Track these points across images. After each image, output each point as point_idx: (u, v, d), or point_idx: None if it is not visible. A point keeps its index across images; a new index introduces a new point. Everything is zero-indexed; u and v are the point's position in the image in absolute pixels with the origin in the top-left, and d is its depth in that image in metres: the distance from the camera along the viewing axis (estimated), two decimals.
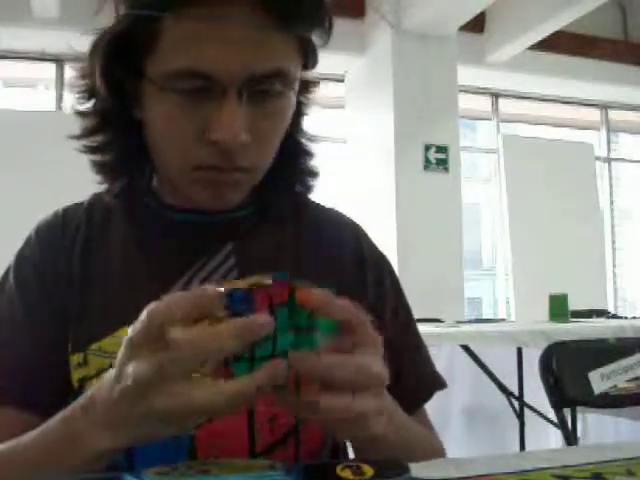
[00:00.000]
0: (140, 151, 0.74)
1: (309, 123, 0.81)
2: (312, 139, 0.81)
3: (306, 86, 0.76)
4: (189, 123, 0.66)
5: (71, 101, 0.75)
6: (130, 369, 0.49)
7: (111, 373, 0.52)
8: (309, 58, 0.71)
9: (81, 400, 0.56)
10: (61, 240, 0.77)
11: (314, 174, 0.82)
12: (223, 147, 0.65)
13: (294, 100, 0.70)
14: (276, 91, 0.66)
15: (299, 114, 0.77)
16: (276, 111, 0.68)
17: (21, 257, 0.77)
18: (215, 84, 0.63)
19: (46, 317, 0.73)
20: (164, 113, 0.67)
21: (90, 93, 0.73)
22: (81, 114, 0.75)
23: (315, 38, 0.70)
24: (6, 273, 0.77)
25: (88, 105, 0.74)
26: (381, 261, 0.85)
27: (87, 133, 0.75)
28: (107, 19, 0.69)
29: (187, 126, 0.66)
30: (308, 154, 0.81)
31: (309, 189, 0.82)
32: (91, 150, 0.76)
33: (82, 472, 0.55)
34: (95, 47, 0.70)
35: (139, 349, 0.49)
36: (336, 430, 0.56)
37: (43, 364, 0.71)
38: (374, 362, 0.52)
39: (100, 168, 0.76)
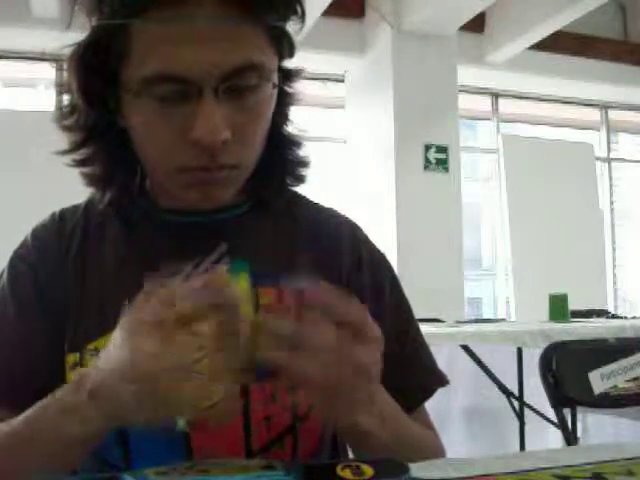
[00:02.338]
0: (129, 159, 0.74)
1: (305, 117, 0.80)
2: (300, 129, 0.80)
3: (288, 76, 0.75)
4: (169, 126, 0.65)
5: (56, 116, 0.75)
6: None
7: (104, 355, 0.55)
8: (284, 47, 0.70)
9: (75, 379, 0.58)
10: (57, 242, 0.77)
11: (304, 164, 0.81)
12: (205, 146, 0.64)
13: (272, 92, 0.69)
14: (252, 85, 0.66)
15: (285, 104, 0.77)
16: (254, 104, 0.67)
17: (16, 259, 0.77)
18: (190, 85, 0.63)
19: (40, 318, 0.73)
20: (143, 119, 0.67)
21: (73, 107, 0.73)
22: (66, 128, 0.74)
23: (290, 26, 0.69)
24: (1, 274, 0.77)
25: (72, 119, 0.74)
26: (379, 259, 0.84)
27: (74, 147, 0.75)
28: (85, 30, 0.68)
29: (167, 129, 0.65)
30: (296, 144, 0.80)
31: (301, 179, 0.82)
32: (79, 163, 0.76)
33: (78, 451, 0.57)
34: (70, 61, 0.70)
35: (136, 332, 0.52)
36: (322, 407, 0.55)
37: (35, 365, 0.71)
38: (369, 351, 0.52)
39: (90, 180, 0.77)
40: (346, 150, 5.55)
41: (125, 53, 0.65)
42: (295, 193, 0.84)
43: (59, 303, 0.73)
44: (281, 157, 0.79)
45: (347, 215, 0.87)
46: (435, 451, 0.74)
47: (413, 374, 0.79)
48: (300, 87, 0.77)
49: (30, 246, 0.77)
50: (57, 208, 0.82)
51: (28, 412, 0.60)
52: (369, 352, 0.53)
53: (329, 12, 4.66)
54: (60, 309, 0.73)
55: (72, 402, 0.56)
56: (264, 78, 0.67)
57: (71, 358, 0.71)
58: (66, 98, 0.74)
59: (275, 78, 0.69)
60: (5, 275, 0.76)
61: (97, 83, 0.69)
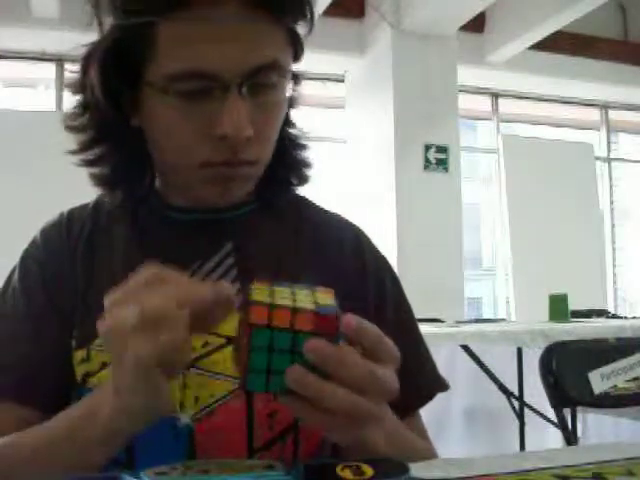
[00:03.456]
0: (138, 160, 0.75)
1: (306, 117, 0.81)
2: (302, 131, 0.82)
3: (294, 79, 0.76)
4: (193, 122, 0.66)
5: (64, 118, 0.75)
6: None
7: None
8: (297, 49, 0.72)
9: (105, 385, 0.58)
10: (66, 241, 0.78)
11: (308, 165, 0.83)
12: (230, 142, 0.66)
13: (288, 91, 0.71)
14: (273, 83, 0.68)
15: (290, 107, 0.78)
16: (274, 103, 0.69)
17: (26, 257, 0.78)
18: (216, 82, 0.64)
19: (49, 315, 0.74)
20: (167, 116, 0.67)
21: (84, 106, 0.74)
22: (75, 129, 0.75)
23: (300, 28, 0.71)
24: (12, 272, 0.78)
25: (83, 119, 0.74)
26: (382, 262, 0.85)
27: (84, 147, 0.75)
28: (103, 27, 0.69)
29: (191, 126, 0.67)
30: (300, 146, 0.82)
31: (305, 180, 0.83)
32: (88, 163, 0.76)
33: (98, 452, 0.57)
34: (89, 59, 0.70)
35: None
36: (332, 428, 0.54)
37: (43, 361, 0.72)
38: (391, 375, 0.52)
39: (99, 180, 0.77)
40: (346, 150, 5.56)
41: (150, 51, 0.65)
42: (299, 195, 0.85)
43: (67, 301, 0.74)
44: (285, 158, 0.80)
45: (350, 219, 0.88)
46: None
47: (413, 378, 0.79)
48: (302, 89, 0.79)
49: (39, 245, 0.78)
50: (57, 208, 0.82)
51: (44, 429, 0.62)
52: (391, 374, 0.53)
53: (329, 12, 4.66)
54: (68, 307, 0.74)
55: (97, 406, 0.56)
56: (283, 77, 0.69)
57: (79, 354, 0.72)
58: (75, 98, 0.74)
59: (290, 78, 0.71)
60: (16, 273, 0.77)
61: (116, 80, 0.69)
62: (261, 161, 0.72)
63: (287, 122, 0.79)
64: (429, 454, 0.74)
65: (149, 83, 0.67)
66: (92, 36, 0.70)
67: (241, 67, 0.64)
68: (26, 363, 0.72)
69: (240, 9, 0.64)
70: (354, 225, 0.87)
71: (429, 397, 0.81)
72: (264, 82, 0.67)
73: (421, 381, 0.81)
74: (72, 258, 0.76)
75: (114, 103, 0.71)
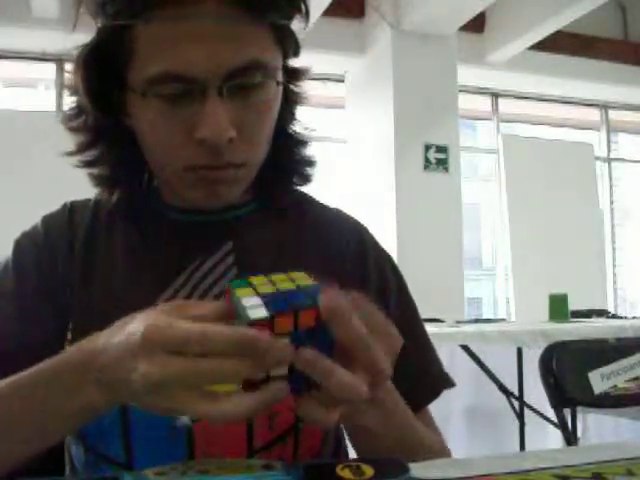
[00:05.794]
0: (136, 159, 0.75)
1: (306, 116, 0.80)
2: (306, 128, 0.80)
3: (294, 74, 0.75)
4: (175, 126, 0.66)
5: (62, 119, 0.75)
6: (140, 327, 0.48)
7: (115, 331, 0.52)
8: (288, 46, 0.70)
9: (78, 354, 0.54)
10: (66, 230, 0.78)
11: (311, 163, 0.81)
12: (211, 145, 0.65)
13: (277, 90, 0.70)
14: (256, 83, 0.66)
15: (291, 103, 0.77)
16: (259, 103, 0.67)
17: (22, 237, 0.78)
18: (194, 84, 0.63)
19: (39, 297, 0.73)
20: (149, 119, 0.67)
21: (80, 109, 0.74)
22: (74, 130, 0.75)
23: (295, 23, 0.69)
24: (7, 260, 0.77)
25: (79, 121, 0.74)
26: (384, 258, 0.84)
27: (81, 148, 0.75)
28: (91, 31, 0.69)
29: (173, 129, 0.66)
30: (303, 143, 0.80)
31: (307, 179, 0.82)
32: (87, 164, 0.76)
33: (74, 424, 0.54)
34: (76, 63, 0.70)
35: (161, 314, 0.49)
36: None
37: (30, 340, 0.71)
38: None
39: (98, 181, 0.77)
40: (346, 150, 5.56)
41: (130, 54, 0.65)
42: (302, 193, 0.85)
43: (61, 288, 0.74)
44: (287, 156, 0.79)
45: (351, 215, 0.87)
46: (441, 454, 0.73)
47: (419, 375, 0.78)
48: (306, 86, 0.77)
49: (40, 230, 0.78)
50: (57, 208, 0.82)
51: (16, 381, 0.57)
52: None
53: (329, 12, 4.66)
54: (62, 294, 0.73)
55: (77, 382, 0.53)
56: (268, 76, 0.67)
57: None
58: (72, 100, 0.74)
59: (279, 76, 0.69)
60: (10, 261, 0.76)
61: (103, 84, 0.69)
62: (250, 163, 0.71)
63: (289, 119, 0.78)
64: (437, 447, 0.73)
65: (130, 86, 0.66)
66: (90, 36, 0.70)
67: (219, 68, 0.63)
68: (10, 337, 0.71)
69: (219, 8, 0.62)
70: (356, 221, 0.86)
71: (436, 394, 0.80)
72: (247, 83, 0.65)
73: (427, 378, 0.80)
74: (71, 247, 0.76)
75: (101, 105, 0.71)
